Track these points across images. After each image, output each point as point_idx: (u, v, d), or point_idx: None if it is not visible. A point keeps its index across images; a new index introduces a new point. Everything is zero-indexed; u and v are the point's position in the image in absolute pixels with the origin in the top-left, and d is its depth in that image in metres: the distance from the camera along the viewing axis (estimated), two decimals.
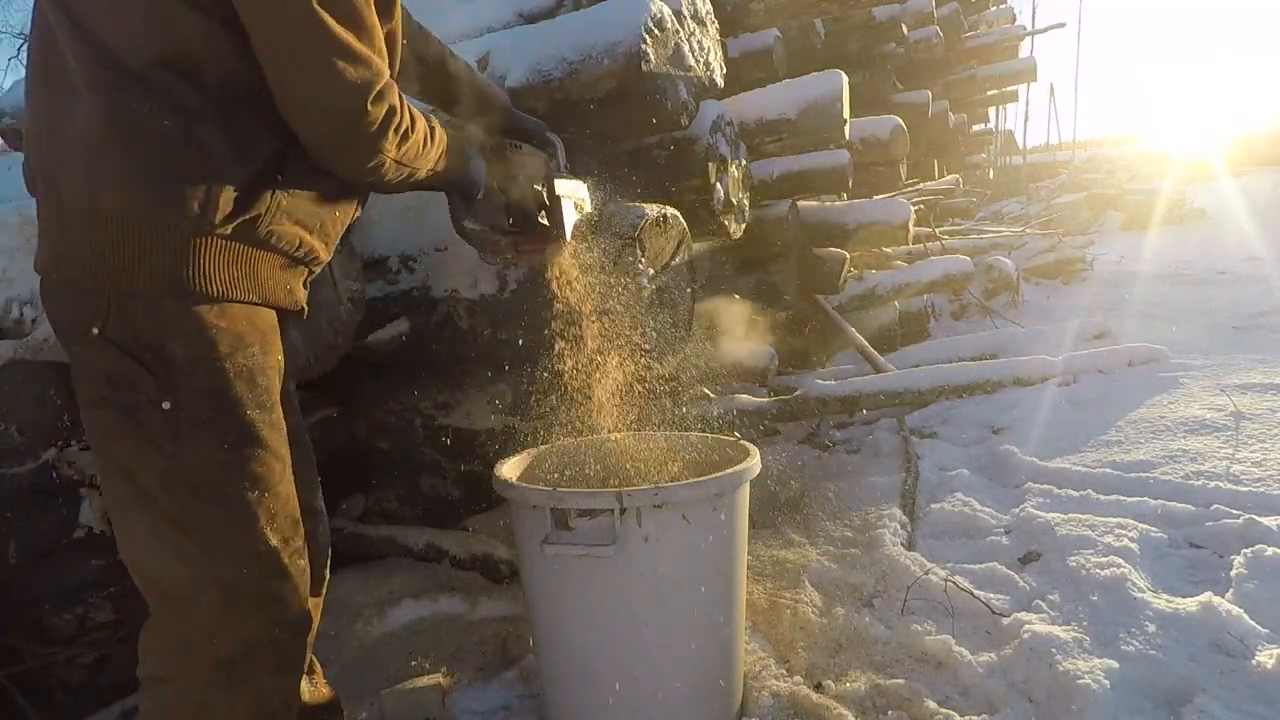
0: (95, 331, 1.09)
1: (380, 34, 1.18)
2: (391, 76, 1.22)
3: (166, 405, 1.10)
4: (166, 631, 1.19)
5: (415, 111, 1.26)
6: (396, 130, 1.19)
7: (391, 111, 1.18)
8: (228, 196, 1.10)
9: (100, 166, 1.07)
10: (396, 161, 1.23)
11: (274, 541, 1.20)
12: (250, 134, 1.13)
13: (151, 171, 1.07)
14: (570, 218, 1.69)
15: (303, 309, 1.32)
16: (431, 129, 1.32)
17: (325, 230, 1.29)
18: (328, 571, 1.49)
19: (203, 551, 1.15)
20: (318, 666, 1.56)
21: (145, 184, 1.07)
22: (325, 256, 1.32)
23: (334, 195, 1.29)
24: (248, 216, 1.14)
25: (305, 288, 1.33)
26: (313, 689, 1.52)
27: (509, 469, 1.85)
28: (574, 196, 1.74)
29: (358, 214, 1.41)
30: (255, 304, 1.19)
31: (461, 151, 1.43)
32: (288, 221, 1.20)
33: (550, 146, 1.83)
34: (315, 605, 1.39)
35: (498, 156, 1.58)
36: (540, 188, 1.63)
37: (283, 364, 1.28)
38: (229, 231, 1.12)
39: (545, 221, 1.63)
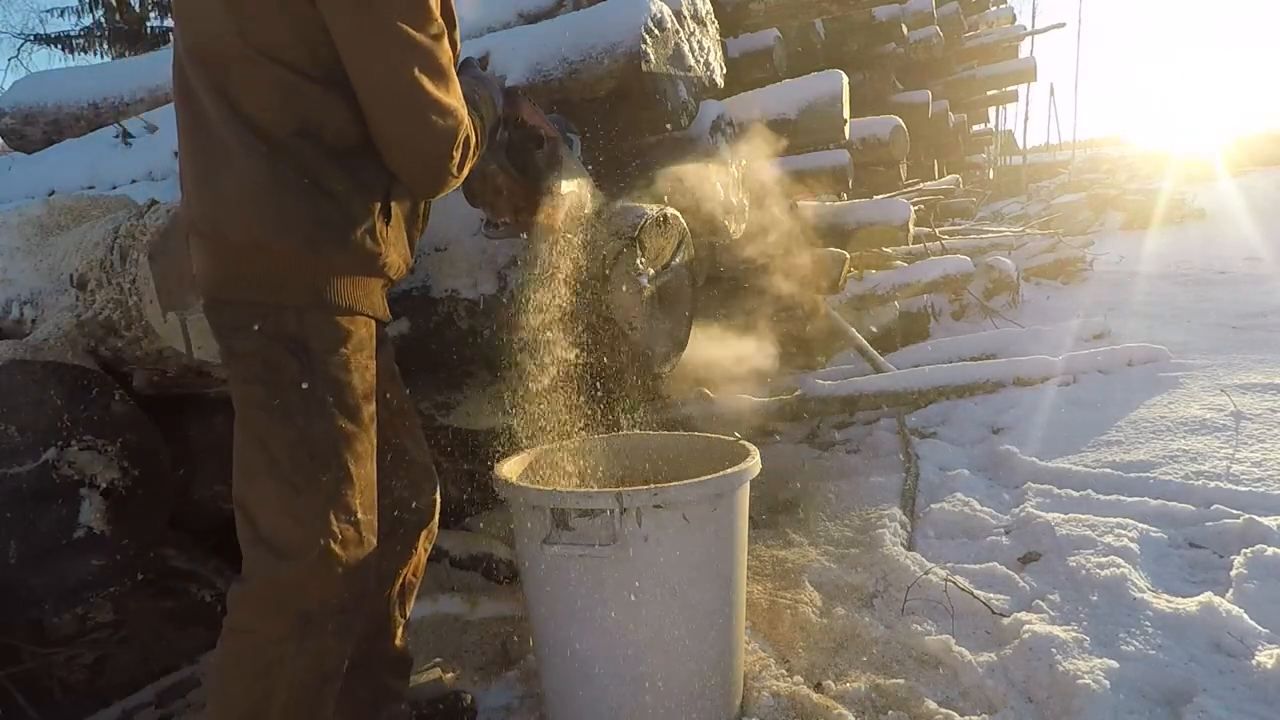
0: (256, 329, 1.35)
1: (457, 83, 1.42)
2: None
3: (305, 385, 1.35)
4: (264, 586, 1.37)
5: (474, 125, 1.48)
6: (468, 159, 1.47)
7: (467, 147, 1.44)
8: (359, 235, 1.38)
9: (259, 215, 1.32)
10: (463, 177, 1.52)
11: (361, 514, 1.41)
12: (364, 175, 1.39)
13: (300, 219, 1.33)
14: (568, 182, 1.73)
15: (389, 318, 1.56)
16: (481, 117, 1.53)
17: (407, 255, 1.54)
18: (437, 526, 1.76)
19: (309, 514, 1.36)
20: (407, 621, 1.77)
21: (296, 228, 1.33)
22: (406, 274, 1.58)
23: (415, 222, 1.56)
24: (373, 250, 1.40)
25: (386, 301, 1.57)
26: (402, 640, 1.75)
27: (509, 469, 1.85)
28: (579, 177, 1.77)
29: (424, 229, 1.65)
30: (370, 316, 1.45)
31: (494, 107, 1.62)
32: (395, 254, 1.46)
33: (568, 140, 1.88)
34: (424, 559, 1.74)
35: (509, 98, 1.69)
36: (543, 133, 1.70)
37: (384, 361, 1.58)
38: (359, 262, 1.39)
39: (540, 164, 1.68)
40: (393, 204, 1.44)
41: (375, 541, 1.46)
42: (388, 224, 1.43)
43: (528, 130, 1.69)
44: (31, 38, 18.11)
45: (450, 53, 1.41)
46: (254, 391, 1.37)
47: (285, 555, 1.35)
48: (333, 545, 1.37)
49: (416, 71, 1.32)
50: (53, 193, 2.97)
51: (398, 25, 1.29)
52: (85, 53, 17.34)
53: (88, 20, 17.46)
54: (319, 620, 1.38)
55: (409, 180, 1.43)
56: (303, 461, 1.36)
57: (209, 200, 1.37)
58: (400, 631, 1.73)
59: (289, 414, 1.35)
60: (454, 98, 1.39)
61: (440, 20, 1.36)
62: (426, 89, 1.33)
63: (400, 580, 1.70)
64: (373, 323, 1.47)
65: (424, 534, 1.71)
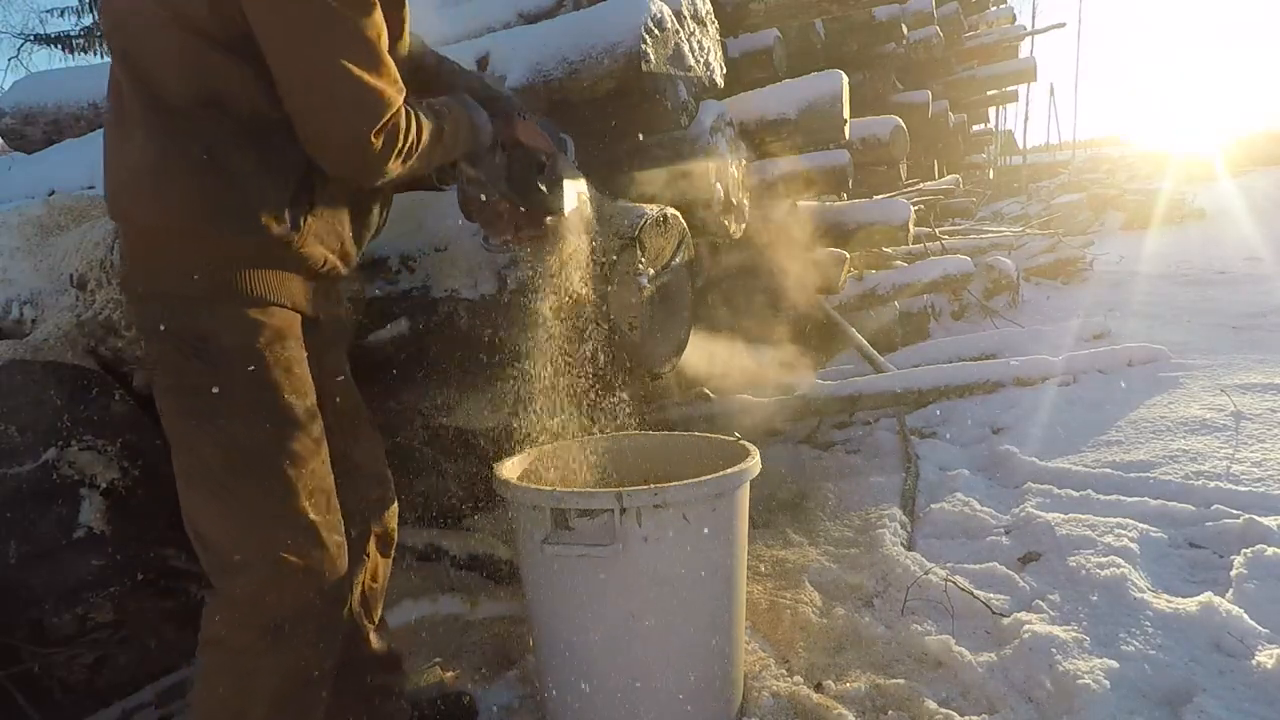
0: (162, 329, 1.27)
1: (393, 66, 1.29)
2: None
3: (215, 389, 1.27)
4: (224, 598, 1.32)
5: (422, 120, 1.36)
6: (400, 151, 1.32)
7: (394, 136, 1.29)
8: (265, 220, 1.26)
9: (156, 195, 1.23)
10: (403, 171, 1.37)
11: (312, 516, 1.33)
12: (280, 157, 1.28)
13: (198, 198, 1.23)
14: (570, 199, 1.70)
15: (318, 318, 1.45)
16: (440, 127, 1.41)
17: (343, 249, 1.43)
18: (396, 533, 1.68)
19: (251, 522, 1.30)
20: (387, 621, 1.70)
21: (193, 208, 1.23)
22: (345, 271, 1.47)
23: (360, 216, 1.46)
24: (284, 236, 1.29)
25: (326, 298, 1.47)
26: (380, 641, 1.67)
27: (509, 469, 1.85)
28: (576, 185, 1.75)
29: (379, 229, 1.55)
30: (289, 308, 1.35)
31: (473, 130, 1.53)
32: (315, 243, 1.36)
33: (560, 142, 1.83)
34: (385, 565, 1.64)
35: (505, 120, 1.63)
36: (543, 159, 1.65)
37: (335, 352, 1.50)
38: (269, 246, 1.29)
39: (543, 189, 1.65)
40: (316, 189, 1.33)
41: (342, 541, 1.39)
42: (309, 211, 1.31)
43: (526, 153, 1.63)
44: (31, 38, 18.16)
45: (380, 27, 1.27)
46: (172, 400, 1.30)
47: (235, 568, 1.30)
48: (285, 555, 1.30)
49: (331, 44, 1.20)
50: (53, 193, 2.97)
51: None
52: (85, 53, 17.35)
53: (88, 20, 17.48)
54: (291, 629, 1.32)
55: (322, 162, 1.30)
56: (235, 469, 1.28)
57: (113, 178, 1.28)
58: (373, 636, 1.66)
59: (208, 420, 1.28)
60: (380, 78, 1.26)
61: None
62: (349, 70, 1.22)
63: (359, 590, 1.62)
64: (294, 314, 1.37)
65: (373, 539, 1.63)
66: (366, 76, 1.23)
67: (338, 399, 1.52)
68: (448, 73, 1.71)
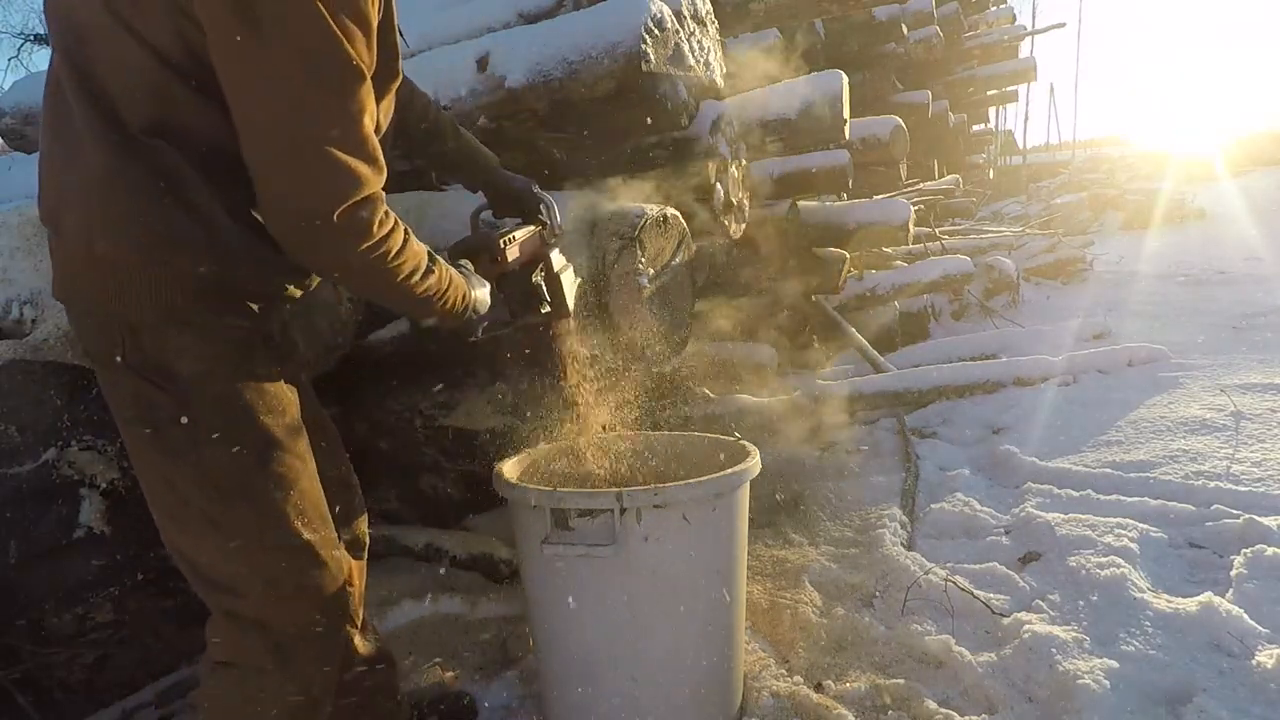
0: (119, 359, 1.19)
1: (375, 144, 1.16)
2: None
3: (184, 420, 1.19)
4: (225, 621, 1.30)
5: (410, 239, 1.25)
6: (367, 245, 1.17)
7: (362, 224, 1.15)
8: (221, 253, 1.17)
9: (95, 215, 1.15)
10: (361, 271, 1.21)
11: (306, 535, 1.29)
12: (238, 197, 1.16)
13: (143, 224, 1.13)
14: (571, 289, 1.68)
15: (274, 338, 1.36)
16: (429, 269, 1.30)
17: (301, 277, 1.33)
18: (367, 536, 1.62)
19: (241, 548, 1.24)
20: (370, 623, 1.66)
21: (137, 235, 1.14)
22: (299, 294, 1.37)
23: None
24: (241, 269, 1.20)
25: (284, 316, 1.40)
26: (365, 643, 1.62)
27: (509, 469, 1.85)
28: (571, 262, 1.72)
29: None
30: (245, 325, 1.27)
31: (464, 303, 1.42)
32: (274, 274, 1.26)
33: (539, 208, 1.73)
34: (359, 568, 1.55)
35: (490, 257, 1.54)
36: (539, 278, 1.61)
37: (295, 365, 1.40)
38: (223, 279, 1.20)
39: (546, 308, 1.63)
40: None
41: (340, 555, 1.37)
42: (268, 242, 1.18)
43: (519, 276, 1.58)
44: (31, 38, 18.10)
45: (365, 103, 1.13)
46: (138, 434, 1.23)
47: (232, 594, 1.27)
48: (280, 576, 1.27)
49: (306, 108, 1.08)
50: None
51: (295, 50, 1.04)
52: None
53: None
54: (295, 648, 1.31)
55: (272, 230, 1.17)
56: (214, 498, 1.22)
57: (54, 195, 1.21)
58: (358, 638, 1.59)
59: (179, 453, 1.21)
60: (355, 155, 1.11)
61: (361, 60, 1.10)
62: (315, 133, 1.08)
63: None
64: (256, 331, 1.29)
65: (342, 546, 1.53)
66: (337, 151, 1.10)
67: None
68: (420, 102, 1.64)
